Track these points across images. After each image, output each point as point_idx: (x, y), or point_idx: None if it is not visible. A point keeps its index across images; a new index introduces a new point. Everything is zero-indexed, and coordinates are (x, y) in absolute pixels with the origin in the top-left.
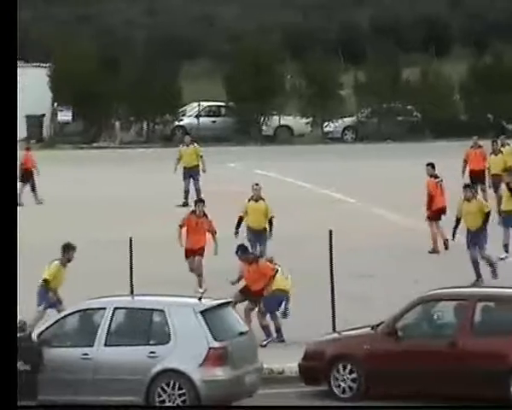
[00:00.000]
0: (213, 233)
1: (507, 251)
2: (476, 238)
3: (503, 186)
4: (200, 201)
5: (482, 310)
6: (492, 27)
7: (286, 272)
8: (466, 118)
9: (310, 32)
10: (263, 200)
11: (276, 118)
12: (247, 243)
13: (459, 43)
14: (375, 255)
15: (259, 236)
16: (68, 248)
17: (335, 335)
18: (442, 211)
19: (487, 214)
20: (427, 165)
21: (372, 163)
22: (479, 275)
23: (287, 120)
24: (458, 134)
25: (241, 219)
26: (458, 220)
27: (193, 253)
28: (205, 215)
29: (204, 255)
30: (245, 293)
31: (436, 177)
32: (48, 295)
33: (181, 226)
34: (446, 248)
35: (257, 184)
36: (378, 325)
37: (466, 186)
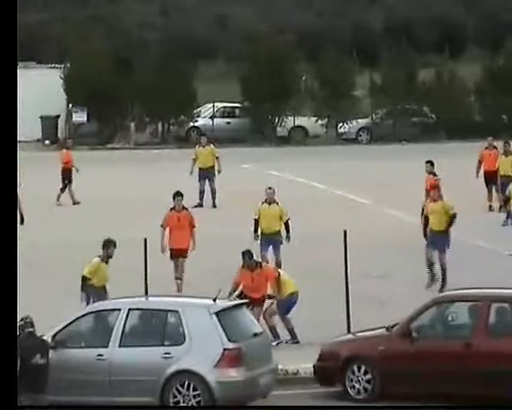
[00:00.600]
0: (192, 227)
1: None
2: (437, 240)
3: (511, 187)
4: (178, 194)
5: (497, 311)
6: (507, 28)
7: (288, 275)
8: (480, 119)
9: (324, 33)
10: (276, 203)
11: (290, 119)
12: (259, 247)
13: (474, 44)
14: (388, 255)
15: (272, 240)
16: (109, 244)
17: (350, 336)
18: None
19: (452, 217)
20: (427, 162)
21: (387, 164)
22: (433, 277)
23: (301, 121)
24: (473, 135)
25: (257, 222)
26: (426, 219)
27: (179, 253)
28: (184, 209)
29: (187, 256)
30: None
31: (434, 174)
32: (87, 292)
33: (163, 226)
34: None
35: (270, 188)
36: (393, 327)
37: (434, 187)
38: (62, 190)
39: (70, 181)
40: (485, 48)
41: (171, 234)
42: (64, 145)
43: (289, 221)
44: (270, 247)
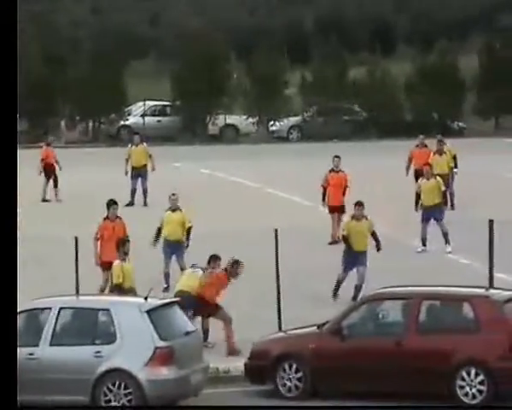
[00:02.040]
0: (120, 239)
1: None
2: (357, 260)
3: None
4: (112, 203)
5: (427, 309)
6: (437, 26)
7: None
8: (411, 117)
9: (255, 31)
10: (180, 210)
11: (221, 117)
12: (163, 255)
13: (405, 42)
14: (321, 252)
15: (176, 247)
16: (124, 242)
17: (281, 334)
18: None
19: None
20: (335, 157)
21: (318, 162)
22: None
23: (232, 120)
24: (404, 133)
25: (159, 230)
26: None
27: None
28: (118, 218)
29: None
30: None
31: (341, 171)
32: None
33: (97, 239)
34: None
35: (174, 194)
36: (324, 324)
37: (358, 204)
38: (47, 184)
39: (55, 178)
40: (416, 46)
41: (104, 245)
42: (45, 142)
43: (191, 229)
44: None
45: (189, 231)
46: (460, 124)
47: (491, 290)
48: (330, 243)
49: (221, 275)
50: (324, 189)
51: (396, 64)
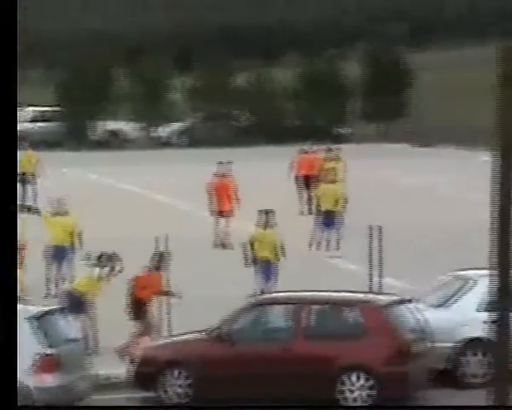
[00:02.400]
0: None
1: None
2: (267, 270)
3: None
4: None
5: (314, 314)
6: (323, 33)
7: None
8: (297, 123)
9: (141, 37)
10: (66, 215)
11: (108, 123)
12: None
13: (291, 48)
14: (212, 257)
15: (62, 252)
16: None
17: (168, 340)
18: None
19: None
20: (220, 163)
21: (205, 168)
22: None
23: (118, 125)
24: (289, 139)
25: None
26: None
27: None
28: None
29: None
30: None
31: (227, 176)
32: None
33: None
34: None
35: (60, 199)
36: (212, 330)
37: (267, 212)
38: None
39: None
40: (301, 52)
41: None
42: None
43: (78, 234)
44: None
45: (74, 235)
46: (345, 129)
47: (377, 295)
48: (217, 248)
49: (153, 275)
50: (211, 194)
51: (281, 70)
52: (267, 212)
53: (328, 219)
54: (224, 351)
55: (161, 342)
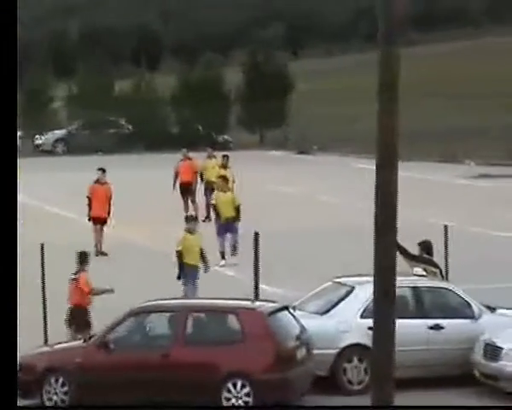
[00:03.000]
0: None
1: (223, 258)
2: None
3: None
4: (100, 169)
5: (193, 321)
6: (202, 39)
7: None
8: (177, 130)
9: (20, 43)
10: None
11: None
12: None
13: (170, 55)
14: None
15: None
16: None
17: (47, 348)
18: (104, 218)
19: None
20: (98, 170)
21: (84, 175)
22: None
23: None
24: (169, 146)
25: None
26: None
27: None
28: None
29: None
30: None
31: (106, 183)
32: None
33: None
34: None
35: None
36: (90, 338)
37: (189, 218)
38: None
39: None
40: (181, 59)
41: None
42: None
43: None
44: None
45: None
46: (225, 137)
47: (256, 302)
48: (96, 255)
49: (82, 277)
50: (90, 200)
51: (161, 77)
52: (191, 218)
53: (228, 227)
54: (102, 358)
55: (41, 349)
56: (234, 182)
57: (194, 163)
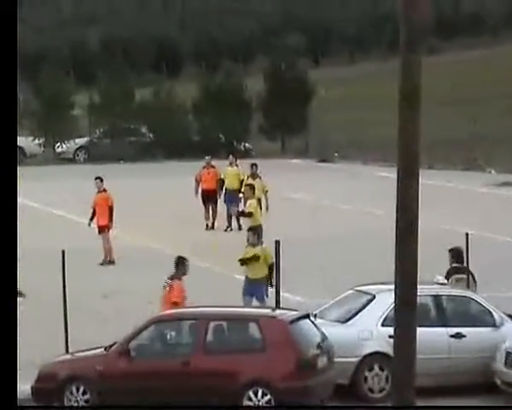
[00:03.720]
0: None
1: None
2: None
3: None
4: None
5: (214, 329)
6: (222, 48)
7: None
8: (198, 138)
9: (40, 51)
10: None
11: None
12: None
13: (190, 62)
14: (116, 273)
15: None
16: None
17: (68, 356)
18: (107, 225)
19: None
20: (96, 179)
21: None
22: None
23: (19, 141)
24: (191, 154)
25: None
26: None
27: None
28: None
29: None
30: None
31: (105, 190)
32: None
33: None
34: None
35: None
36: (111, 346)
37: (251, 230)
38: None
39: None
40: (202, 67)
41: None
42: None
43: None
44: None
45: None
46: (247, 145)
47: (278, 310)
48: (101, 264)
49: (176, 284)
50: (94, 210)
51: (182, 85)
52: (252, 230)
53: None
54: (124, 366)
55: (62, 357)
56: (267, 191)
57: (217, 171)
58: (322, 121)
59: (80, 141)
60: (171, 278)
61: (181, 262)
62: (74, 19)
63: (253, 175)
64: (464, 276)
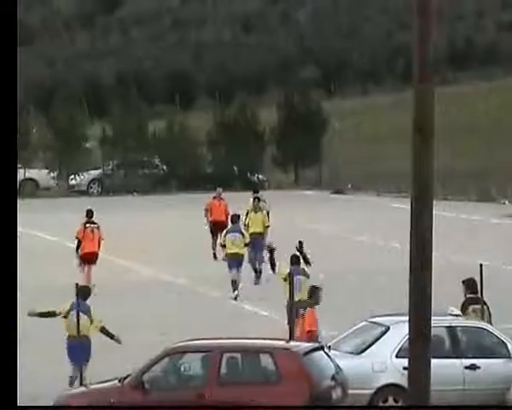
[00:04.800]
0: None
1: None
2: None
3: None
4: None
5: (228, 361)
6: (235, 79)
7: None
8: (212, 170)
9: (55, 84)
10: None
11: (21, 171)
12: None
13: (204, 94)
14: (127, 303)
15: None
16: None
17: (83, 388)
18: (91, 255)
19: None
20: (88, 211)
21: (116, 216)
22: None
23: (32, 174)
24: (204, 186)
25: None
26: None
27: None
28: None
29: None
30: None
31: (93, 223)
32: None
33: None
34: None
35: None
36: (125, 378)
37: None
38: None
39: None
40: (216, 99)
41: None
42: None
43: None
44: None
45: None
46: (260, 176)
47: (291, 342)
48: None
49: (309, 313)
50: (79, 241)
51: (195, 116)
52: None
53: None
54: (138, 399)
55: (76, 390)
56: (268, 226)
57: (226, 203)
58: (335, 152)
59: (94, 173)
60: (305, 306)
61: (314, 291)
62: (88, 51)
63: (255, 209)
64: (479, 307)
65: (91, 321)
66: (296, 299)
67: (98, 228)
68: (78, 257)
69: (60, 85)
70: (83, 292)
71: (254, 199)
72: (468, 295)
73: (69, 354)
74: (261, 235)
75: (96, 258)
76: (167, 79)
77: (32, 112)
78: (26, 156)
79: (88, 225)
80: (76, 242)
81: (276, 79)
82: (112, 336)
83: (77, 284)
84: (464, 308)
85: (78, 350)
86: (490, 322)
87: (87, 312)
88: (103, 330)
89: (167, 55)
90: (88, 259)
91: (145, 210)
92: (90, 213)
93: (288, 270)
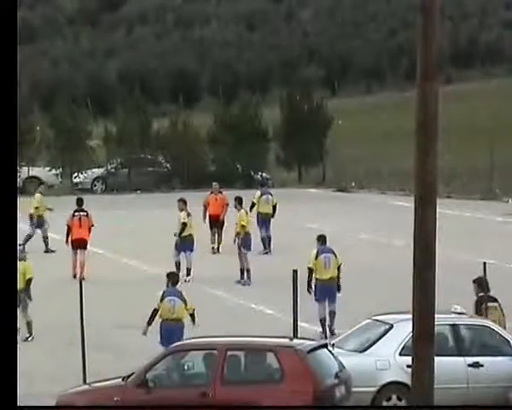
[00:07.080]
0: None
1: None
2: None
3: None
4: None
5: (232, 359)
6: (239, 78)
7: None
8: (215, 168)
9: (58, 83)
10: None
11: (24, 169)
12: None
13: (207, 93)
14: (131, 305)
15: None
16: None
17: (86, 386)
18: (79, 241)
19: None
20: (77, 199)
21: (121, 214)
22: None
23: (36, 172)
24: (207, 184)
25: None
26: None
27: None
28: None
29: None
30: None
31: (83, 210)
32: None
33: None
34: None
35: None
36: (129, 377)
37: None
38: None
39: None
40: (219, 97)
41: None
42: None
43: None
44: None
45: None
46: (264, 175)
47: (295, 340)
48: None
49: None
50: (68, 227)
51: (199, 115)
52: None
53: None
54: (141, 397)
55: (79, 388)
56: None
57: (224, 197)
58: (338, 151)
59: (97, 171)
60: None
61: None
62: (92, 50)
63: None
64: (496, 304)
65: (185, 303)
66: (328, 276)
67: (87, 215)
68: (69, 243)
69: (64, 84)
70: (172, 278)
71: (262, 191)
72: (479, 294)
73: (164, 337)
74: (268, 215)
75: (85, 244)
76: (171, 78)
77: (35, 110)
78: (30, 154)
79: (77, 213)
80: (66, 229)
81: (280, 77)
82: (194, 321)
83: (167, 273)
84: (479, 307)
85: (173, 332)
86: (504, 319)
87: (180, 296)
88: (193, 314)
89: (171, 54)
90: (76, 245)
91: (146, 209)
92: (79, 202)
93: (315, 251)
